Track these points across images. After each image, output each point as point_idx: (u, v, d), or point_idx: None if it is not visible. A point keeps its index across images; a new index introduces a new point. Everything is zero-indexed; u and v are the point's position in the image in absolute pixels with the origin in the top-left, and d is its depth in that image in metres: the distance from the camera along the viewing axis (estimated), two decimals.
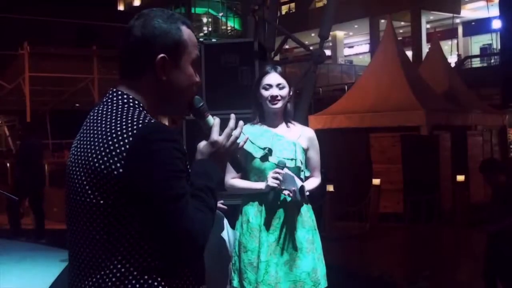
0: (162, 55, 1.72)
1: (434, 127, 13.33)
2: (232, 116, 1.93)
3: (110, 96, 1.75)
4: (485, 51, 33.86)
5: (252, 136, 3.55)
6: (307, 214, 3.55)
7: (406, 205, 11.96)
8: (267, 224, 3.50)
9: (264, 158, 3.53)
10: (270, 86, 3.59)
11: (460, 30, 35.63)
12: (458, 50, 35.15)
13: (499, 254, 5.68)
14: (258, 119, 3.69)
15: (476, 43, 36.24)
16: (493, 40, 29.87)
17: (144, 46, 1.72)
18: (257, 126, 3.66)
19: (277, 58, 10.04)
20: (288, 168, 3.47)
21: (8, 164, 18.82)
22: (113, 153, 1.60)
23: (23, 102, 21.01)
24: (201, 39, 34.60)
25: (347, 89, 20.05)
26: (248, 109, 5.83)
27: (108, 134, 1.63)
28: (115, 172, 1.59)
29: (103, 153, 1.61)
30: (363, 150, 12.79)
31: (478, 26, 34.35)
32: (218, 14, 41.69)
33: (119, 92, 1.74)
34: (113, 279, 1.62)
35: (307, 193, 3.45)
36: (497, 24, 26.33)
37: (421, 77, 15.11)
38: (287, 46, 32.23)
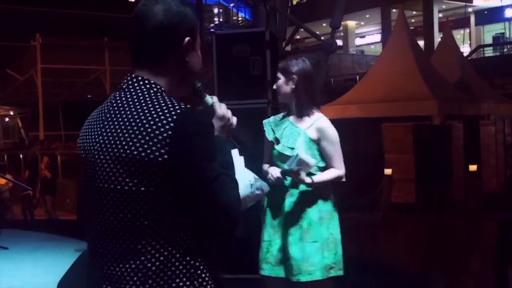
0: (188, 38, 1.76)
1: (446, 116, 13.28)
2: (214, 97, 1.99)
3: (130, 83, 1.75)
4: (497, 40, 33.60)
5: (274, 124, 3.77)
6: (308, 205, 3.56)
7: (418, 195, 11.94)
8: (271, 208, 3.65)
9: (272, 145, 3.70)
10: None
11: (472, 19, 35.33)
12: (470, 39, 34.92)
13: (510, 241, 5.66)
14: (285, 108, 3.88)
15: (489, 32, 35.96)
16: (506, 29, 29.65)
17: (170, 31, 1.73)
18: (281, 114, 3.83)
19: (288, 48, 10.00)
20: (287, 157, 3.56)
21: (21, 155, 18.97)
22: (155, 140, 1.61)
23: (35, 94, 21.11)
24: (212, 30, 34.50)
25: (359, 79, 19.99)
26: (259, 98, 5.84)
27: (145, 121, 1.63)
28: (160, 159, 1.61)
29: (143, 141, 1.61)
30: (375, 140, 12.77)
31: (490, 15, 34.06)
32: (229, 4, 41.60)
33: (139, 78, 1.74)
34: (157, 263, 1.64)
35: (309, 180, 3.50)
36: (509, 12, 26.19)
37: (433, 66, 15.04)
38: (298, 36, 32.15)
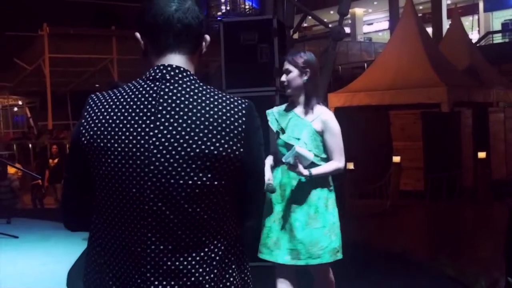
0: (207, 36, 1.85)
1: (455, 103, 13.22)
2: None
3: (173, 73, 1.72)
4: (506, 27, 33.40)
5: (279, 114, 3.91)
6: (314, 192, 3.75)
7: (427, 182, 11.92)
8: (275, 196, 3.83)
9: (277, 134, 3.86)
10: (282, 73, 3.88)
11: (481, 5, 35.14)
12: (478, 26, 34.70)
13: None
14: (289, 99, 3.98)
15: (497, 19, 35.73)
16: None
17: (203, 27, 1.81)
18: (284, 106, 3.98)
19: (295, 36, 9.98)
20: (292, 146, 3.69)
21: (30, 145, 19.04)
22: (231, 134, 1.66)
23: (43, 83, 21.15)
24: (219, 18, 34.39)
25: (367, 67, 19.92)
26: (267, 86, 5.83)
27: (216, 116, 1.66)
28: (237, 153, 1.67)
29: (219, 136, 1.65)
30: (383, 128, 12.73)
31: (499, 1, 33.86)
32: None
33: (181, 69, 1.74)
34: (220, 253, 1.71)
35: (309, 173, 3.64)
36: None
37: (442, 53, 14.96)
38: (305, 24, 32.03)
